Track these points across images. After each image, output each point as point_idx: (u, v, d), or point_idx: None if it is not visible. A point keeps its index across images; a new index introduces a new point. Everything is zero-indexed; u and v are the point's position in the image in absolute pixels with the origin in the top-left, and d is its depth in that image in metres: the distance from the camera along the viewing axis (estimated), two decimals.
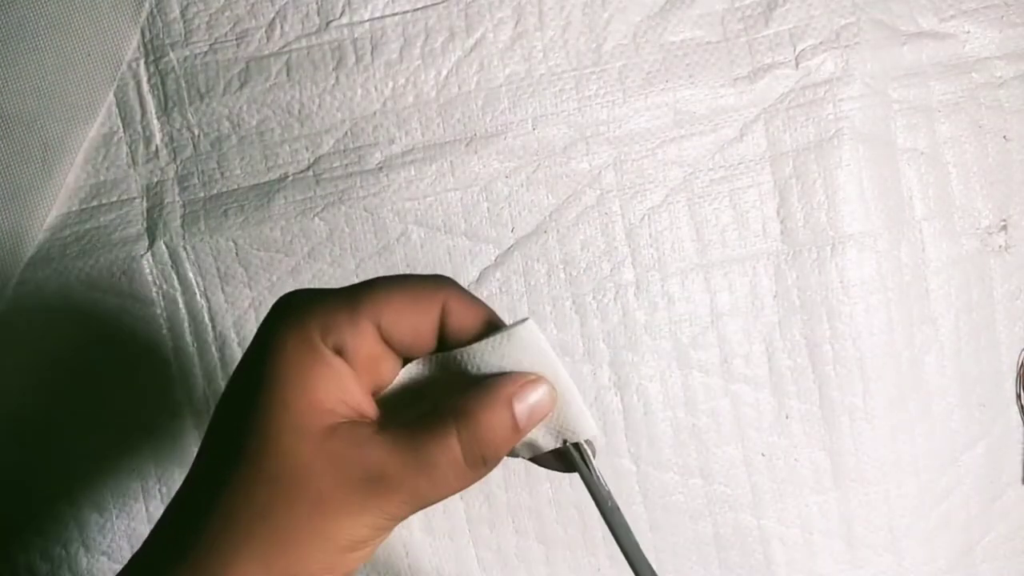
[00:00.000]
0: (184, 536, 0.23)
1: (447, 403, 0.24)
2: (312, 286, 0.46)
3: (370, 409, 0.25)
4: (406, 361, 0.26)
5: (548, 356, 0.25)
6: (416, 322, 0.25)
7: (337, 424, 0.23)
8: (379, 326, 0.24)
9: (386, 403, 0.26)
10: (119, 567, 0.46)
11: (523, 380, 0.25)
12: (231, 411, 0.24)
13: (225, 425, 0.24)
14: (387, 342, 0.24)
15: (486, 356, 0.25)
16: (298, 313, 0.24)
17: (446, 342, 0.26)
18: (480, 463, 0.24)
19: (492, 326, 0.25)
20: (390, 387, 0.26)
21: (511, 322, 0.25)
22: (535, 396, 0.25)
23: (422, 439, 0.23)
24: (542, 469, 0.28)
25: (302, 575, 0.23)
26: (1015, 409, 0.49)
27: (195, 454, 0.25)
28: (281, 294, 0.25)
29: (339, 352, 0.24)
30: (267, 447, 0.23)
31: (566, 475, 0.47)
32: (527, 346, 0.25)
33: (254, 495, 0.22)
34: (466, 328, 0.25)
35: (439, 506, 0.47)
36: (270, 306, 0.25)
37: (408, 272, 0.46)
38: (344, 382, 0.24)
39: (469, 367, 0.25)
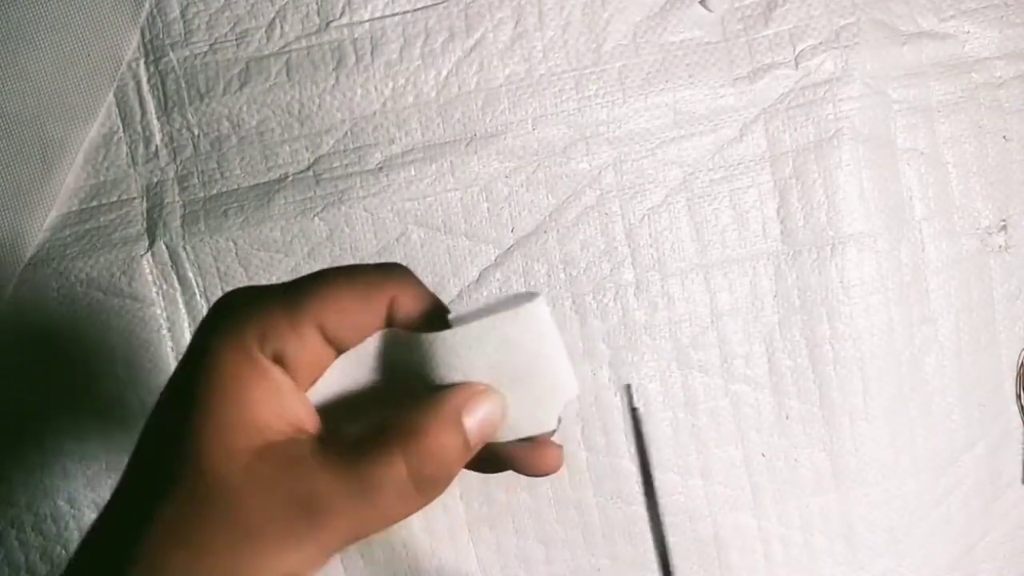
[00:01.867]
0: (104, 572, 0.21)
1: (391, 420, 0.22)
2: None
3: (310, 421, 0.23)
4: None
5: (490, 346, 0.23)
6: (362, 321, 0.23)
7: (271, 443, 0.21)
8: (322, 327, 0.22)
9: (328, 409, 0.24)
10: None
11: (471, 391, 0.23)
12: (159, 431, 0.23)
13: (152, 447, 0.23)
14: (330, 342, 0.23)
15: (438, 351, 0.23)
16: (235, 319, 0.22)
17: None
18: (430, 485, 0.22)
19: (440, 319, 0.24)
20: (330, 384, 0.24)
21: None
22: (484, 409, 0.23)
23: (364, 459, 0.21)
24: None
25: None
26: (1015, 409, 0.49)
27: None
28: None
29: (278, 360, 0.22)
30: (195, 473, 0.21)
31: (566, 475, 0.47)
32: (472, 343, 0.23)
33: (180, 527, 0.21)
34: (414, 322, 0.23)
35: (439, 506, 0.47)
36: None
37: None
38: (282, 394, 0.22)
39: (425, 360, 0.23)
